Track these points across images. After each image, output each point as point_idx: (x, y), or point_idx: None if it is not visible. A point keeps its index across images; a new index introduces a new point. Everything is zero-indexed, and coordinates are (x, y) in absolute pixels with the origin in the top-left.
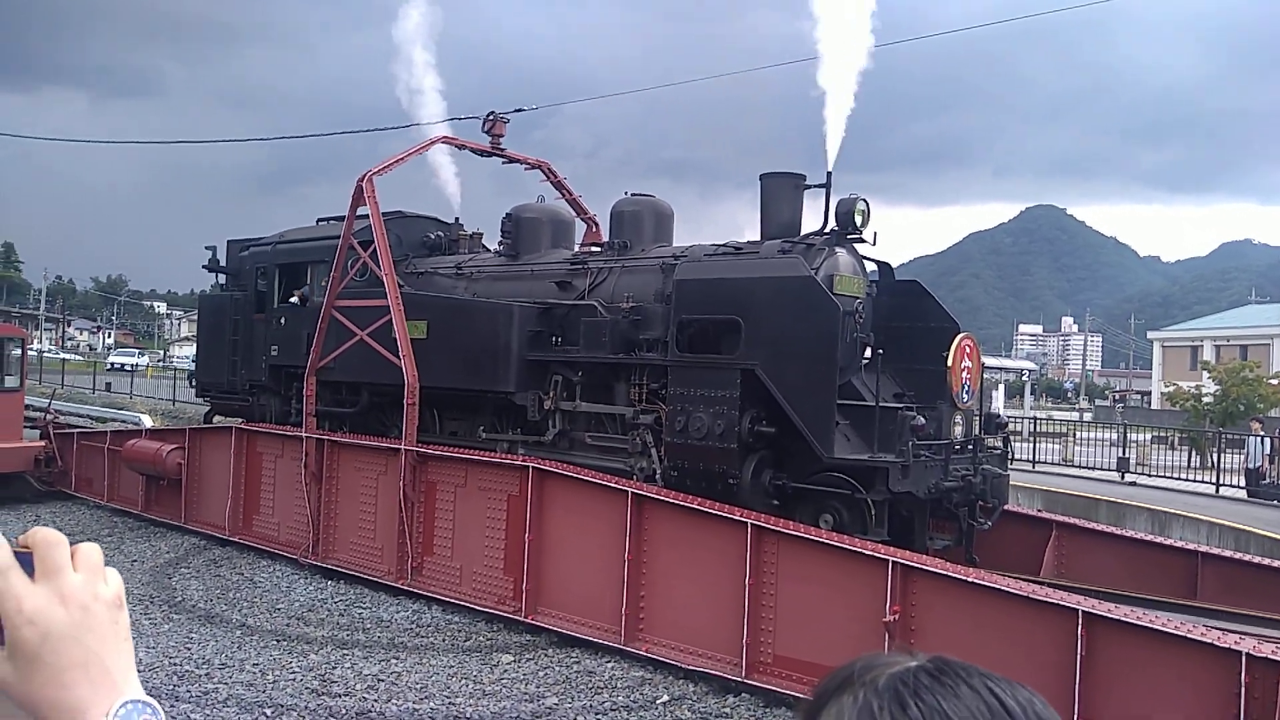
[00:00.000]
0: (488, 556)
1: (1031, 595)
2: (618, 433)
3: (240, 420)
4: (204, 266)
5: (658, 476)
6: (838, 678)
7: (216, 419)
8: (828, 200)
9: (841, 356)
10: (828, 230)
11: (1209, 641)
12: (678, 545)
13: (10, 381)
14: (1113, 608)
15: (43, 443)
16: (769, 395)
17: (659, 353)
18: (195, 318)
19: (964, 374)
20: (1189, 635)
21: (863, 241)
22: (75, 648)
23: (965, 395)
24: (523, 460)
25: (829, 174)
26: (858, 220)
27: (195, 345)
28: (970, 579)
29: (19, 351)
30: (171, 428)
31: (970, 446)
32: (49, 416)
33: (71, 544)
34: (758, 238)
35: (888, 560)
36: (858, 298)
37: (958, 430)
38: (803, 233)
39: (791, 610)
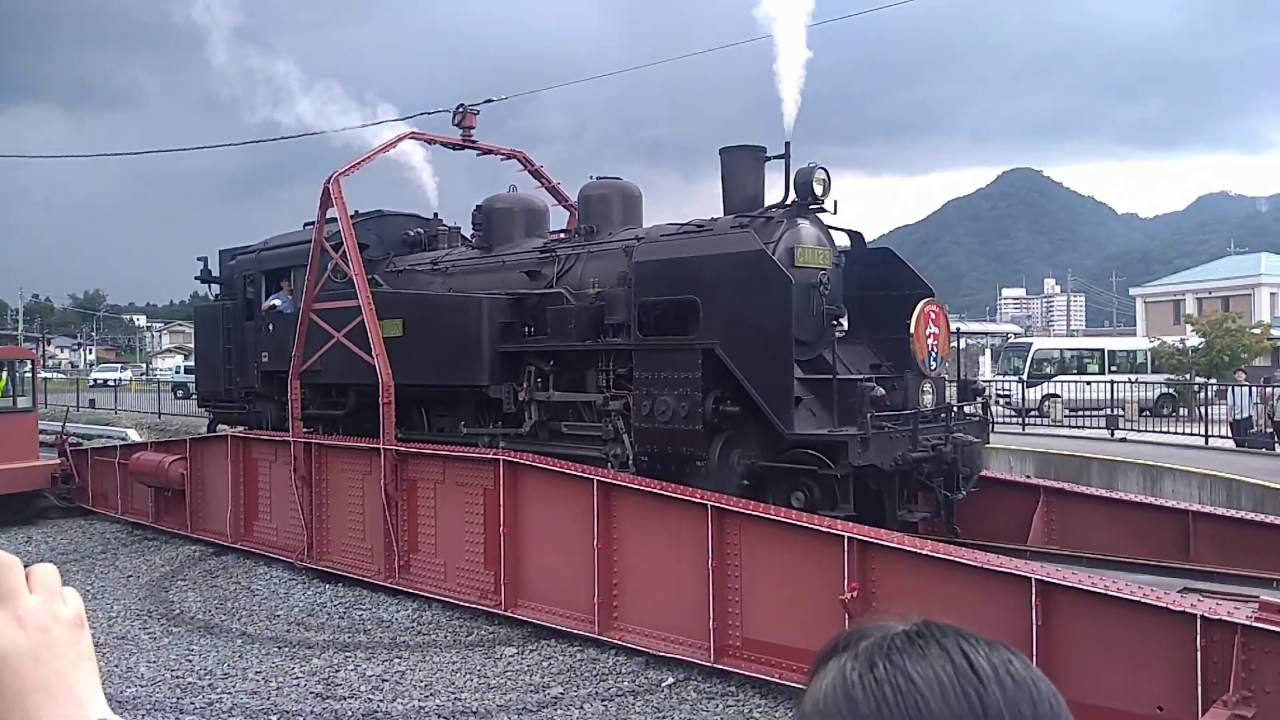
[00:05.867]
0: (469, 551)
1: (985, 565)
2: (592, 420)
3: (240, 428)
4: (196, 277)
5: (630, 462)
6: (830, 645)
7: (220, 428)
8: (787, 172)
9: (808, 330)
10: (788, 202)
11: (1164, 605)
12: (645, 531)
13: (23, 402)
14: (1068, 574)
15: (59, 460)
16: (731, 374)
17: (624, 337)
18: (176, 329)
19: (930, 340)
20: (1144, 600)
21: (824, 211)
22: (36, 670)
23: (932, 362)
24: (494, 453)
25: (787, 144)
26: (817, 190)
27: (193, 356)
28: (925, 552)
29: (30, 373)
30: (173, 439)
31: (941, 415)
32: (64, 435)
33: (60, 563)
34: (721, 214)
35: (843, 536)
36: (823, 269)
37: (926, 399)
38: (766, 205)
39: (758, 592)
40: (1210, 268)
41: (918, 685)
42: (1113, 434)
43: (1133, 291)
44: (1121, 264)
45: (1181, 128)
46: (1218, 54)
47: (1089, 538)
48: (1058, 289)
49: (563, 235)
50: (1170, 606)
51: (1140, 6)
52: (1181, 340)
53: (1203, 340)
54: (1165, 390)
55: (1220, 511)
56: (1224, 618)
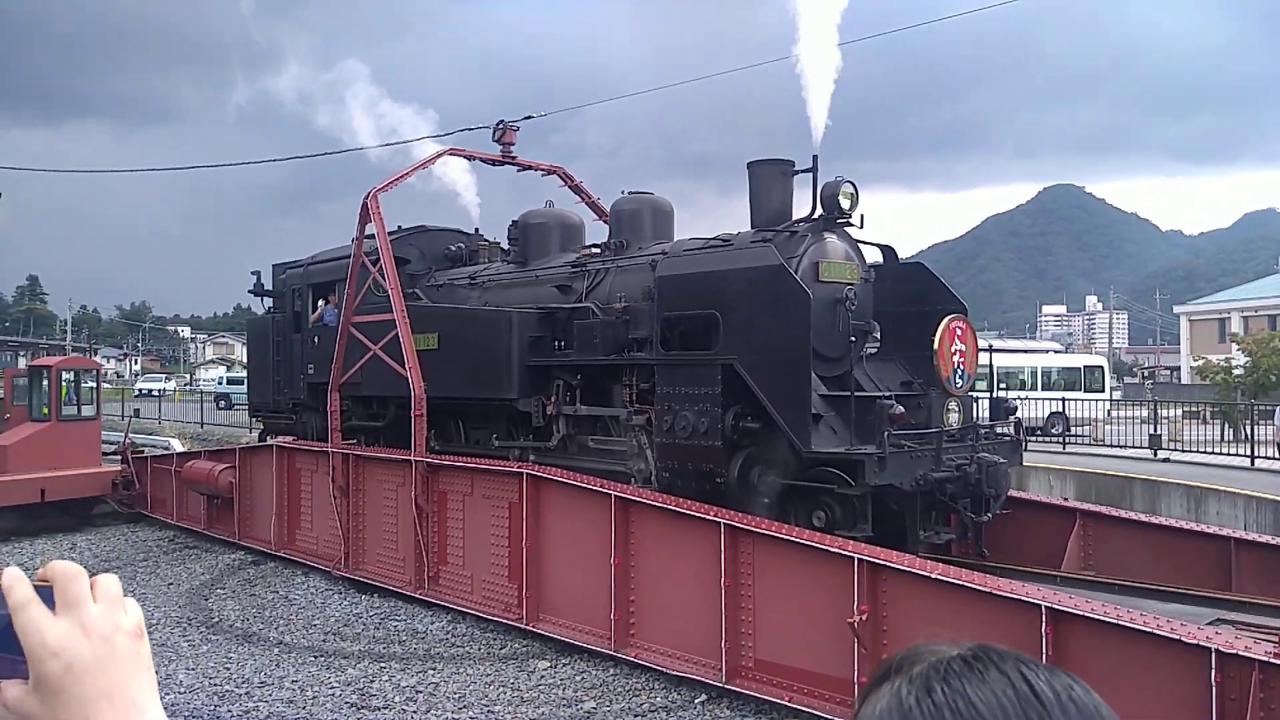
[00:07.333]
0: (494, 564)
1: (994, 590)
2: (618, 435)
3: (288, 438)
4: (250, 291)
5: (653, 478)
6: (882, 669)
7: (270, 438)
8: (815, 185)
9: (832, 346)
10: (815, 216)
11: (1177, 637)
12: (663, 548)
13: (87, 410)
14: (1080, 603)
15: (120, 467)
16: (751, 390)
17: (648, 352)
18: (220, 340)
19: (955, 358)
20: (1157, 631)
21: (851, 225)
22: (99, 678)
23: (958, 380)
24: (518, 467)
25: (815, 158)
26: (844, 204)
27: (245, 367)
28: (934, 575)
29: (94, 383)
30: (224, 448)
31: (968, 435)
32: (126, 441)
33: (103, 570)
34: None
35: (853, 557)
36: (850, 284)
37: (952, 418)
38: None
39: (771, 612)
40: (1257, 285)
41: (979, 711)
42: (1155, 454)
43: (1177, 309)
44: (1165, 281)
45: (1228, 143)
46: (1266, 68)
47: (1126, 564)
48: (1100, 306)
49: (595, 249)
50: (1184, 639)
51: (1189, 20)
52: (1227, 359)
53: (1248, 359)
54: (1055, 410)
55: (1265, 539)
56: (1240, 652)
